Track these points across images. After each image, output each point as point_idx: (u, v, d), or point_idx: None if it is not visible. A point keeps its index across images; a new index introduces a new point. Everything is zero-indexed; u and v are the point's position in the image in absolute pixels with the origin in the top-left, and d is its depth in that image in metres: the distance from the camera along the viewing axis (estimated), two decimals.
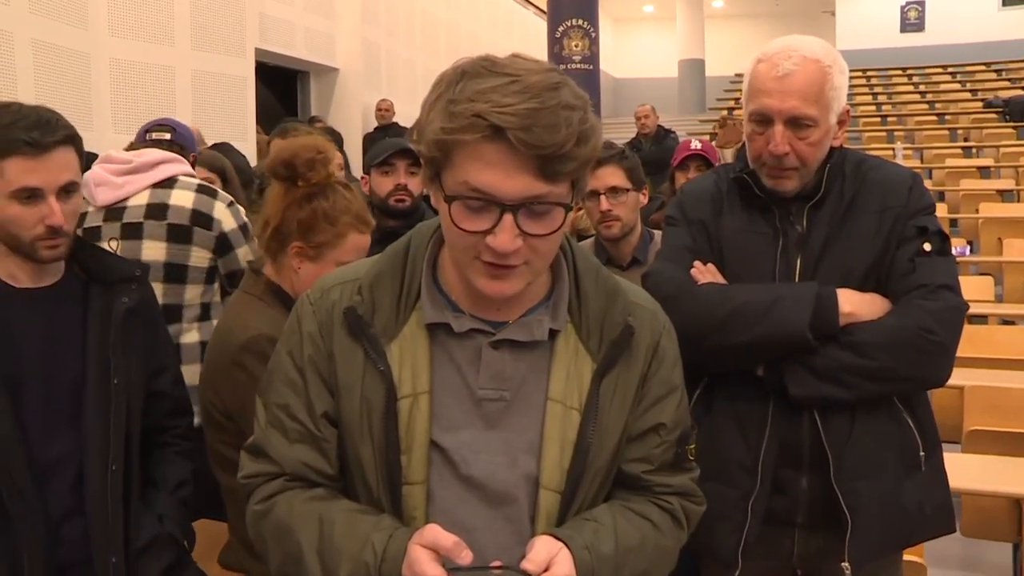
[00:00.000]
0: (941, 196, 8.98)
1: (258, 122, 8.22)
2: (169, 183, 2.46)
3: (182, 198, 2.45)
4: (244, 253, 2.51)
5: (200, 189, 2.50)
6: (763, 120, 1.63)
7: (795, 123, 1.60)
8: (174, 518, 1.79)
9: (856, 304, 1.60)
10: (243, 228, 2.52)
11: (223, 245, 2.48)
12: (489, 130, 0.98)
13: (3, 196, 1.59)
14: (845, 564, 1.61)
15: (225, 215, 2.48)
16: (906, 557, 2.10)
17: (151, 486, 1.80)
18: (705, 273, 1.71)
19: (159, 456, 1.84)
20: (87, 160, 1.89)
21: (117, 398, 1.69)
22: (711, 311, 1.62)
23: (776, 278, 1.67)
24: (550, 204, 1.03)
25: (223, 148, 5.43)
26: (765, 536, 1.67)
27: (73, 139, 1.65)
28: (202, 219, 2.44)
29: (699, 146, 3.80)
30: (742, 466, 1.65)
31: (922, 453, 1.66)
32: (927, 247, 1.61)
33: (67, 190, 1.63)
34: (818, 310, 1.57)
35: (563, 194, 1.04)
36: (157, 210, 2.41)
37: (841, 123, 1.67)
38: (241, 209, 2.57)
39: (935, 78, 16.84)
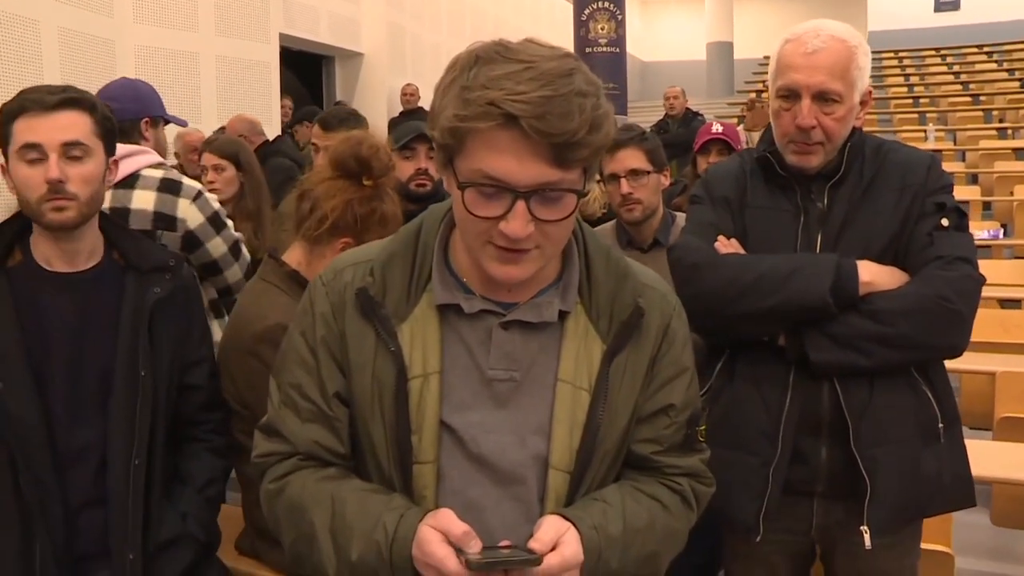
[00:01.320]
0: (975, 178, 8.82)
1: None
2: (131, 181, 2.30)
3: (143, 200, 2.31)
4: (216, 244, 2.43)
5: (163, 186, 2.34)
6: (791, 95, 1.68)
7: (822, 97, 1.66)
8: (198, 517, 1.77)
9: (875, 274, 1.65)
10: (212, 219, 2.42)
11: (191, 243, 2.37)
12: (502, 118, 0.99)
13: (13, 157, 1.62)
14: (864, 527, 1.65)
15: (190, 212, 2.36)
16: (934, 546, 2.08)
17: (178, 482, 1.79)
18: (728, 247, 1.76)
19: (189, 451, 1.82)
20: None
21: (144, 391, 1.67)
22: (735, 278, 1.67)
23: (797, 252, 1.72)
24: (562, 191, 1.04)
25: (278, 144, 5.41)
26: (785, 506, 1.70)
27: (80, 103, 1.66)
28: (164, 221, 2.31)
29: (720, 129, 3.77)
30: (763, 434, 1.69)
31: (940, 425, 1.70)
32: (945, 222, 1.67)
33: (71, 151, 1.63)
34: (838, 278, 1.62)
35: (575, 180, 1.05)
36: (118, 216, 2.24)
37: (863, 104, 1.72)
38: (211, 198, 2.45)
39: (970, 58, 16.50)
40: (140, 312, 1.69)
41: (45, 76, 5.77)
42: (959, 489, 1.73)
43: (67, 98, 1.64)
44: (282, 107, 8.06)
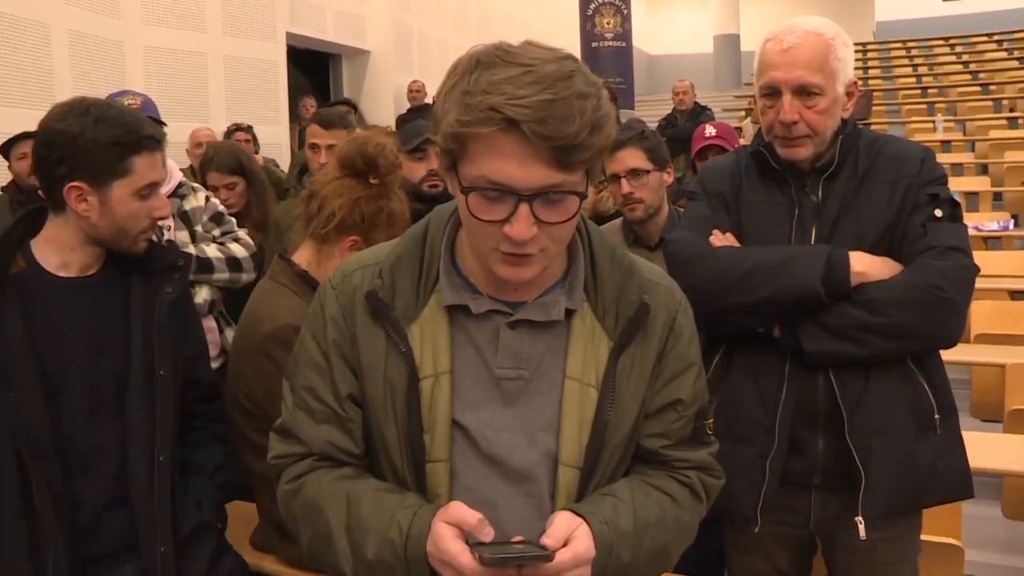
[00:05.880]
0: (984, 169, 8.76)
1: (290, 106, 8.27)
2: None
3: None
4: None
5: None
6: (772, 92, 1.71)
7: (802, 91, 1.68)
8: (211, 503, 1.81)
9: (867, 264, 1.66)
10: None
11: None
12: (504, 123, 0.99)
13: (129, 192, 1.65)
14: (858, 518, 1.66)
15: None
16: (942, 539, 2.08)
17: (188, 471, 1.82)
18: (723, 240, 1.78)
19: (194, 440, 1.85)
20: None
21: (163, 388, 1.69)
22: (728, 270, 1.69)
23: (792, 245, 1.73)
24: (565, 193, 1.04)
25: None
26: (783, 497, 1.72)
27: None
28: None
29: (714, 132, 3.74)
30: (760, 425, 1.70)
31: (937, 416, 1.70)
32: (938, 213, 1.67)
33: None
34: (829, 268, 1.63)
35: (577, 182, 1.05)
36: None
37: (850, 95, 1.74)
38: None
39: (980, 47, 16.35)
40: (152, 312, 1.71)
41: (55, 79, 5.81)
42: (955, 480, 1.73)
43: (161, 137, 1.73)
44: (306, 106, 8.06)
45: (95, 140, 1.59)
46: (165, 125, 2.81)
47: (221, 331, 2.73)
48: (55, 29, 5.94)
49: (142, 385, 1.68)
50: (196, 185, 2.85)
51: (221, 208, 2.83)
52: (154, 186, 1.68)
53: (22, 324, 1.59)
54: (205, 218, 2.73)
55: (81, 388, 1.64)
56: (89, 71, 6.15)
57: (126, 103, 2.62)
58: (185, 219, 2.68)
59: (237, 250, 2.69)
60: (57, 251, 1.67)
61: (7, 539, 1.57)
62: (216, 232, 2.73)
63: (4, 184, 4.27)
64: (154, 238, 2.49)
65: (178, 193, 2.70)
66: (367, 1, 10.34)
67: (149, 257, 1.76)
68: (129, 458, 1.67)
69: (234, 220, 2.86)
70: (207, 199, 2.79)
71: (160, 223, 2.54)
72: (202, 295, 2.57)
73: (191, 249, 2.59)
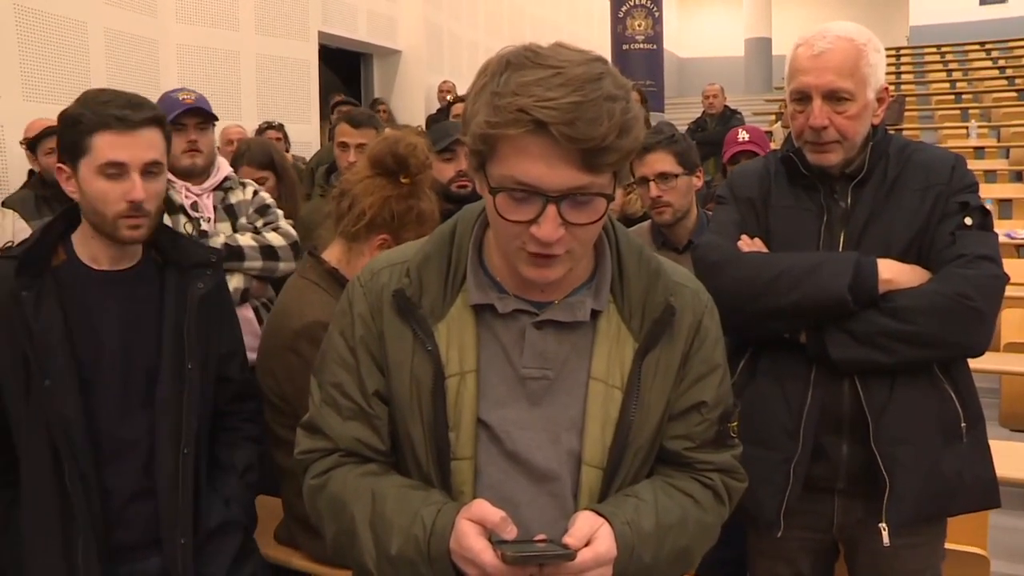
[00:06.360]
0: (1019, 176, 8.63)
1: (321, 105, 8.32)
2: None
3: None
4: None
5: None
6: (803, 98, 1.72)
7: (832, 97, 1.68)
8: (241, 502, 1.82)
9: (895, 272, 1.65)
10: None
11: None
12: (532, 124, 1.00)
13: (91, 171, 1.63)
14: (882, 525, 1.65)
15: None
16: (967, 548, 2.06)
17: (219, 469, 1.83)
18: (751, 245, 1.78)
19: (226, 439, 1.86)
20: None
21: (191, 383, 1.71)
22: (756, 275, 1.69)
23: (820, 251, 1.73)
24: (592, 195, 1.05)
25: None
26: (806, 502, 1.72)
27: (161, 121, 1.69)
28: None
29: (747, 138, 3.71)
30: (784, 430, 1.70)
31: (963, 424, 1.69)
32: (968, 221, 1.66)
33: (151, 170, 1.66)
34: (857, 275, 1.62)
35: (605, 184, 1.06)
36: None
37: (880, 100, 1.74)
38: None
39: (1017, 52, 16.09)
40: (184, 307, 1.72)
41: (91, 75, 5.89)
42: (981, 489, 1.72)
43: (150, 117, 1.65)
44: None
45: (70, 118, 1.63)
46: (216, 119, 2.81)
47: (261, 321, 2.73)
48: (92, 27, 6.03)
49: (171, 379, 1.70)
50: (246, 180, 2.89)
51: (269, 201, 2.84)
52: (122, 166, 1.62)
53: (60, 316, 1.62)
54: (251, 210, 2.75)
55: (113, 380, 1.67)
56: (124, 69, 6.23)
57: (180, 98, 2.66)
58: (230, 212, 2.72)
59: (274, 239, 2.70)
60: (84, 242, 1.70)
61: (40, 528, 1.61)
62: (259, 223, 2.75)
63: (27, 180, 4.31)
64: (188, 230, 2.55)
65: (223, 186, 2.74)
66: (399, 2, 10.39)
67: (183, 252, 1.77)
68: (157, 449, 1.69)
69: (280, 212, 2.85)
70: (255, 193, 2.82)
71: (196, 215, 2.59)
72: (233, 283, 2.60)
73: (221, 238, 2.62)
